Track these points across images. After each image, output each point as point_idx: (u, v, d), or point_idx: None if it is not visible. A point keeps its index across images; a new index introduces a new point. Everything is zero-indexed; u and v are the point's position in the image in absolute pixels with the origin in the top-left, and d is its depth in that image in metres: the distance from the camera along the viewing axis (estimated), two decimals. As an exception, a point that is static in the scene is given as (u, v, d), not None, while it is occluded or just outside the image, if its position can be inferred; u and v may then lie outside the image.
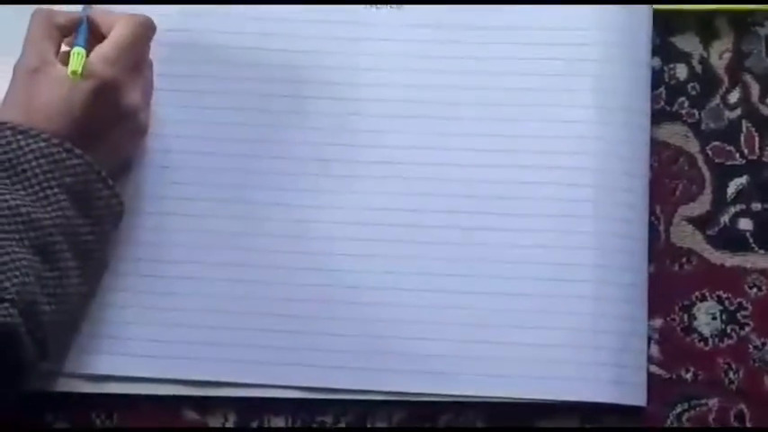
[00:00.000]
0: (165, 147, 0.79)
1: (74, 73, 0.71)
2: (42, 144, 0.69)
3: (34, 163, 0.69)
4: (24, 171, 0.69)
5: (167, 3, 0.81)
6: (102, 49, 0.73)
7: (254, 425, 0.75)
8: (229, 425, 0.75)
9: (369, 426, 0.75)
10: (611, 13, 0.80)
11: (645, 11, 0.81)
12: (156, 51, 0.79)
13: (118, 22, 0.74)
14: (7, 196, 0.67)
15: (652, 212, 0.78)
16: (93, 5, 0.77)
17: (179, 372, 0.75)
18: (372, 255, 0.77)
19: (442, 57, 0.80)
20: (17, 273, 0.65)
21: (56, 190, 0.69)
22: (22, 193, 0.68)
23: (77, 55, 0.71)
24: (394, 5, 0.81)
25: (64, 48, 0.74)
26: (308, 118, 0.80)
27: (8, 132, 0.69)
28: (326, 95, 0.80)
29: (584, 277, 0.76)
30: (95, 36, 0.74)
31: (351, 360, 0.75)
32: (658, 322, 0.76)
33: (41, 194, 0.69)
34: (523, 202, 0.77)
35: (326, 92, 0.80)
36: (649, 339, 0.76)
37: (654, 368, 0.75)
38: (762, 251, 0.78)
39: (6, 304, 0.65)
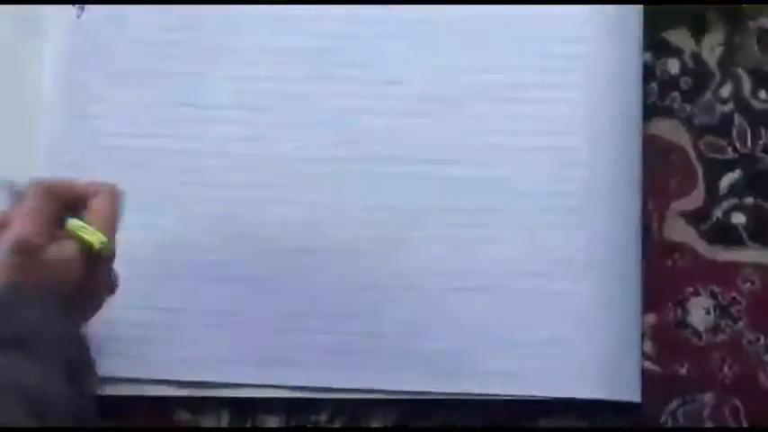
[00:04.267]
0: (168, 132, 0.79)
1: (101, 245, 0.67)
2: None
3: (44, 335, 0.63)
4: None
5: (167, 3, 0.80)
6: (104, 221, 0.68)
7: (248, 425, 0.75)
8: (223, 425, 0.75)
9: (363, 425, 0.75)
10: (602, 9, 0.80)
11: (635, 5, 0.81)
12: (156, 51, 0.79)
13: (95, 193, 0.69)
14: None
15: (645, 207, 0.78)
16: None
17: (171, 373, 0.75)
18: (364, 253, 0.77)
19: (433, 53, 0.80)
20: None
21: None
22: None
23: (86, 230, 0.67)
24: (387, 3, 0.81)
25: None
26: (309, 117, 0.79)
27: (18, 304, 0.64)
28: (326, 93, 0.80)
29: (576, 273, 0.75)
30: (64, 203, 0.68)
31: (345, 359, 0.75)
32: (652, 318, 0.76)
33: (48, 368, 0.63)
34: (515, 198, 0.77)
35: (326, 89, 0.80)
36: (643, 335, 0.76)
37: (648, 364, 0.75)
38: (755, 245, 0.78)
39: None
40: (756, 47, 0.81)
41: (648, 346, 0.76)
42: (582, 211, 0.77)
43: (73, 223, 0.67)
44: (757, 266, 0.77)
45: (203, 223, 0.78)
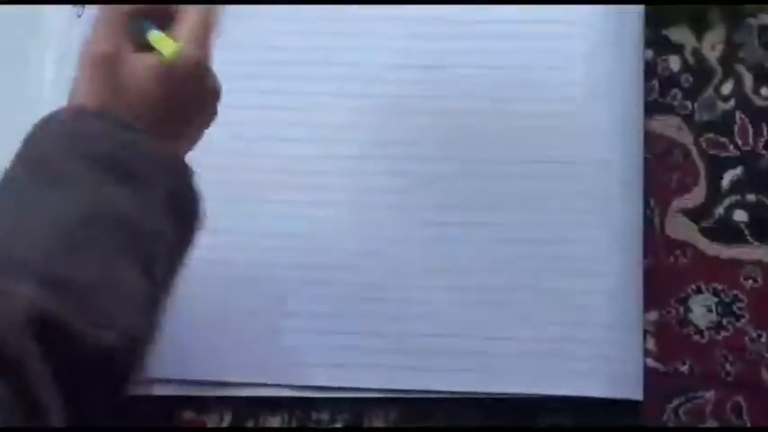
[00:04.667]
0: None
1: (173, 54, 0.60)
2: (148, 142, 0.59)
3: (142, 161, 0.59)
4: (135, 172, 0.59)
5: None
6: (190, 31, 0.62)
7: (251, 424, 0.75)
8: (225, 424, 0.75)
9: (365, 424, 0.75)
10: (603, 6, 0.80)
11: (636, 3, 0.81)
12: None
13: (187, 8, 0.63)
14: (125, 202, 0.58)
15: (646, 205, 0.78)
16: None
17: (175, 372, 0.75)
18: (366, 253, 0.77)
19: (430, 52, 0.80)
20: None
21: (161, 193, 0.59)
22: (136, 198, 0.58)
23: (162, 39, 0.61)
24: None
25: None
26: (304, 114, 0.80)
27: (111, 125, 0.59)
28: (318, 91, 0.80)
29: (578, 271, 0.75)
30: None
31: (346, 358, 0.75)
32: (654, 315, 0.76)
33: (148, 197, 0.59)
34: (516, 199, 0.77)
35: (317, 88, 0.80)
36: (645, 332, 0.76)
37: (650, 361, 0.75)
38: (757, 243, 0.78)
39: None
40: (757, 44, 0.81)
41: (650, 344, 0.76)
42: (582, 209, 0.77)
43: (152, 33, 0.61)
44: (759, 263, 0.77)
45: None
